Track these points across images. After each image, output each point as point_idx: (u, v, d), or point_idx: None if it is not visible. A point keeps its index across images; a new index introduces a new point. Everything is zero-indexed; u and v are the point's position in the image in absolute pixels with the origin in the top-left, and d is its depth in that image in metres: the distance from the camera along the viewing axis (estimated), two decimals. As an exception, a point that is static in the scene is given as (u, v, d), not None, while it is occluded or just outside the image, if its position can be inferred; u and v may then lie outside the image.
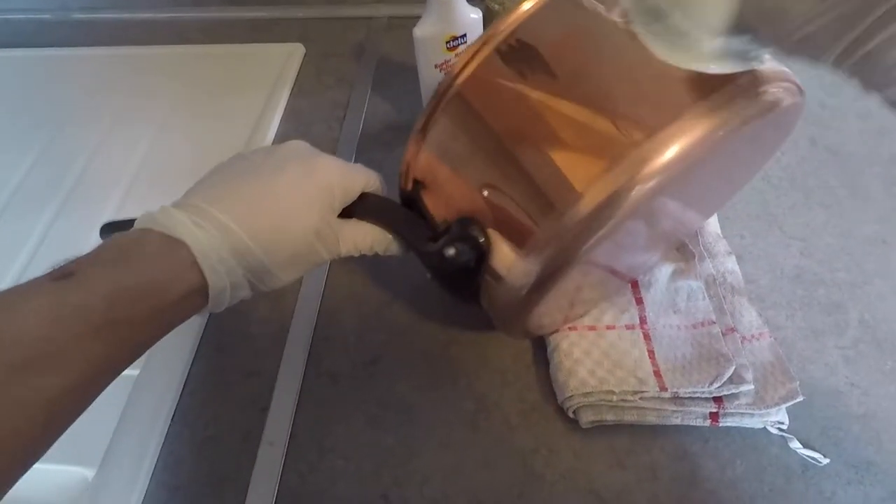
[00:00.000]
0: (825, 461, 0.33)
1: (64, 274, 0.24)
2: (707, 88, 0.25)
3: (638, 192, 0.25)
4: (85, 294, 0.23)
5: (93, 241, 0.47)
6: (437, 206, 0.32)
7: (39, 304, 0.23)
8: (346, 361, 0.39)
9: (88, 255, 0.26)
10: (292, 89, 0.59)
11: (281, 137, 0.54)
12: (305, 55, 0.62)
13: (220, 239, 0.27)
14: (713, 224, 0.43)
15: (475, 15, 0.45)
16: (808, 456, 0.33)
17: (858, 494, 0.32)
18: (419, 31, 0.44)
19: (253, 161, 0.31)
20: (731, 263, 0.40)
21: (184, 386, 0.39)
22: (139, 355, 0.26)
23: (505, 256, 0.29)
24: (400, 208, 0.33)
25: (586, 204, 0.25)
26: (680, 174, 0.25)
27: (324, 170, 0.30)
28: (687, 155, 0.25)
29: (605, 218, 0.25)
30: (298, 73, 0.60)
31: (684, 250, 0.41)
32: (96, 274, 0.24)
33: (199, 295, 0.27)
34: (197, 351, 0.41)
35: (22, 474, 0.23)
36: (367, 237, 0.32)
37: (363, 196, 0.32)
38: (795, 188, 0.46)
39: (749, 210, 0.45)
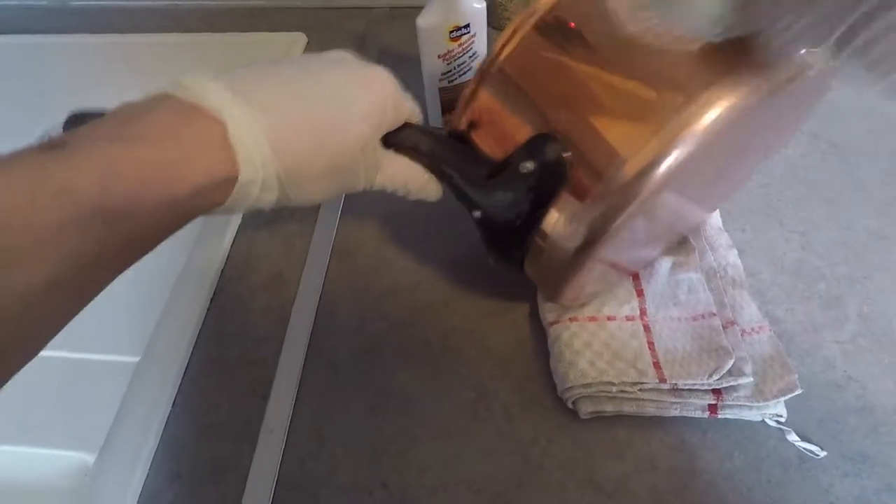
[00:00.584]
0: (822, 454, 0.33)
1: (52, 145, 0.19)
2: (743, 56, 0.26)
3: (680, 153, 0.26)
4: (73, 173, 0.18)
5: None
6: (492, 148, 0.31)
7: (15, 180, 0.18)
8: (346, 350, 0.40)
9: (89, 125, 0.21)
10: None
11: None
12: (307, 44, 0.62)
13: (260, 121, 0.22)
14: (715, 218, 0.43)
15: (479, 5, 0.44)
16: (805, 448, 0.33)
17: (855, 487, 0.32)
18: (422, 21, 0.44)
19: (299, 60, 0.27)
20: (732, 257, 0.40)
21: (184, 373, 0.39)
22: (139, 255, 0.22)
23: (552, 217, 0.29)
24: (450, 140, 0.31)
25: (632, 166, 0.26)
26: (718, 137, 0.26)
27: (379, 81, 0.28)
28: (726, 118, 0.25)
29: (649, 181, 0.26)
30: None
31: (686, 243, 0.41)
32: (91, 148, 0.19)
33: (219, 187, 0.22)
34: (197, 338, 0.41)
35: None
36: (404, 172, 0.29)
37: (406, 125, 0.30)
38: (797, 182, 0.46)
39: (751, 204, 0.45)
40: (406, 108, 0.30)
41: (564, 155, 0.28)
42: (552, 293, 0.35)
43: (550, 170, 0.28)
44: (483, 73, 0.32)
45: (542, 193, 0.28)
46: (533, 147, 0.28)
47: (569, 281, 0.31)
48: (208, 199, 0.22)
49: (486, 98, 0.31)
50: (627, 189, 0.27)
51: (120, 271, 0.21)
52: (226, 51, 0.61)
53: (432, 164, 0.30)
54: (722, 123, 0.26)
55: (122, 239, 0.20)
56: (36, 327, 0.20)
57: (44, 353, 0.41)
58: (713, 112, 0.25)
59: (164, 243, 0.45)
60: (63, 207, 0.18)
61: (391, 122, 0.28)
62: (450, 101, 0.49)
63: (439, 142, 0.31)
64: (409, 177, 0.30)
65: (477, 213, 0.31)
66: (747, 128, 0.28)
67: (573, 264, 0.29)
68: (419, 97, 0.49)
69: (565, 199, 0.28)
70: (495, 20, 0.57)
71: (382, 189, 0.30)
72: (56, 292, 0.19)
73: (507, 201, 0.28)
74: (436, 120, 0.51)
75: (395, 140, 0.30)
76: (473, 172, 0.30)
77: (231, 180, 0.22)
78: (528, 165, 0.28)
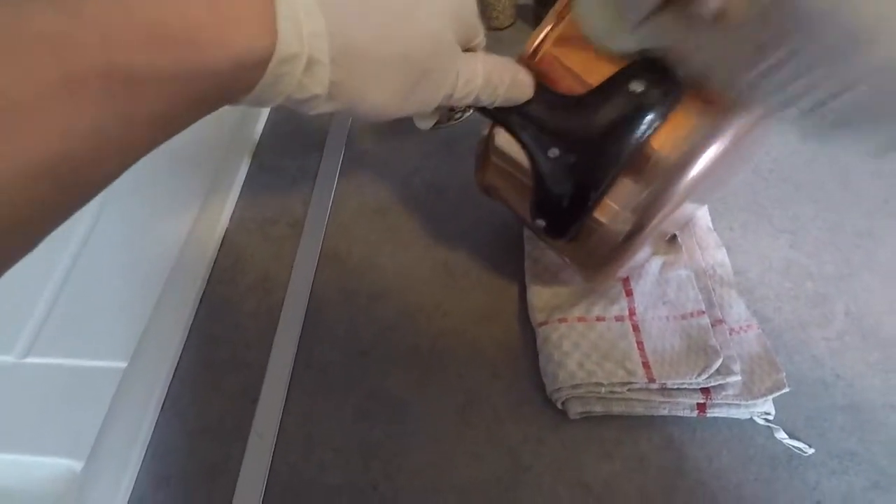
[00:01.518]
0: (810, 451, 0.33)
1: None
2: None
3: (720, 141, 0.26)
4: (67, 17, 0.15)
5: (76, 240, 0.46)
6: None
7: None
8: (335, 354, 0.39)
9: None
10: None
11: (271, 126, 0.54)
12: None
13: None
14: (704, 217, 0.43)
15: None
16: (793, 446, 0.33)
17: (842, 484, 0.32)
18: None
19: None
20: (721, 255, 0.41)
21: (173, 376, 0.39)
22: (154, 138, 0.19)
23: (604, 204, 0.29)
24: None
25: (678, 152, 0.27)
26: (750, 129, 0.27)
27: None
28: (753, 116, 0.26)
29: (693, 165, 0.27)
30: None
31: (674, 242, 0.41)
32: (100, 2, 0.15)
33: (250, 66, 0.18)
34: (186, 342, 0.40)
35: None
36: (492, 64, 0.25)
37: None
38: (785, 181, 0.46)
39: (739, 203, 0.45)
40: (479, 29, 0.26)
41: (679, 77, 0.26)
42: (593, 274, 0.34)
43: (659, 96, 0.26)
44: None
45: (640, 123, 0.26)
46: (648, 68, 0.26)
47: (616, 262, 0.31)
48: (233, 79, 0.18)
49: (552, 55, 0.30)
50: (674, 173, 0.27)
51: (125, 163, 0.18)
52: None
53: None
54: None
55: (130, 108, 0.17)
56: (35, 212, 0.16)
57: (32, 359, 0.41)
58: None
59: (151, 247, 0.45)
60: (54, 61, 0.15)
61: (466, 33, 0.25)
62: (439, 101, 0.48)
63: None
64: (500, 69, 0.26)
65: (554, 151, 0.28)
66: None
67: (623, 247, 0.30)
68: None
69: (618, 185, 0.28)
70: (484, 20, 0.57)
71: (467, 96, 0.25)
72: (61, 170, 0.16)
73: (603, 123, 0.26)
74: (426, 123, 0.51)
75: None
76: (558, 100, 0.28)
77: (264, 57, 0.18)
78: (638, 87, 0.26)
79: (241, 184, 0.50)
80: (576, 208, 0.29)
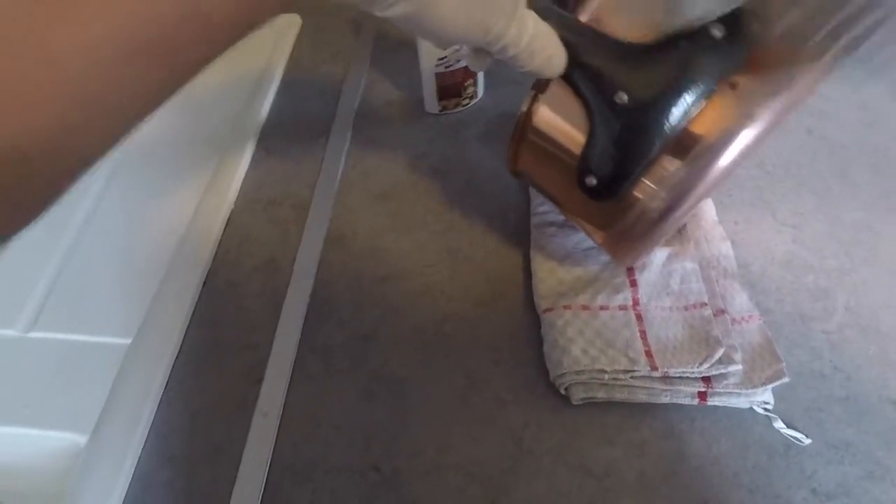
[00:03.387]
0: (807, 441, 0.34)
1: None
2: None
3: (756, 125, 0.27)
4: None
5: (82, 216, 0.46)
6: None
7: None
8: (339, 336, 0.40)
9: None
10: (287, 63, 0.58)
11: (276, 111, 0.54)
12: (302, 27, 0.61)
13: None
14: (710, 211, 0.43)
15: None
16: (791, 436, 0.34)
17: (837, 473, 0.33)
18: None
19: None
20: (725, 248, 0.41)
21: (177, 355, 0.39)
22: (229, 34, 0.19)
23: (643, 183, 0.30)
24: (586, 26, 0.29)
25: (717, 133, 0.27)
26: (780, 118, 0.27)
27: None
28: (789, 99, 0.26)
29: (730, 147, 0.27)
30: (294, 45, 0.59)
31: (682, 233, 0.41)
32: None
33: None
34: (190, 321, 0.41)
35: None
36: (542, 30, 0.26)
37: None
38: (790, 176, 0.46)
39: (744, 197, 0.45)
40: None
41: (755, 26, 0.26)
42: (624, 253, 0.35)
43: (738, 44, 0.26)
44: None
45: (714, 72, 0.26)
46: (731, 15, 0.26)
47: (648, 241, 0.32)
48: None
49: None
50: (713, 154, 0.27)
51: (215, 42, 0.19)
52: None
53: (572, 39, 0.28)
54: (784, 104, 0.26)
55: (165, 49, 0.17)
56: (132, 88, 0.17)
57: (36, 333, 0.41)
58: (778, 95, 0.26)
59: (156, 226, 0.45)
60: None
61: None
62: (447, 87, 0.48)
63: (581, 23, 0.29)
64: (544, 38, 0.27)
65: (622, 97, 0.28)
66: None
67: (657, 225, 0.30)
68: (416, 84, 0.49)
69: (658, 165, 0.29)
70: None
71: (509, 48, 0.26)
72: (154, 46, 0.16)
73: (678, 69, 0.26)
74: (433, 108, 0.51)
75: (537, 6, 0.27)
76: (627, 46, 0.28)
77: None
78: (718, 31, 0.26)
79: (248, 165, 0.50)
80: (634, 163, 0.29)
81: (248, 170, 0.49)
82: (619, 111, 0.28)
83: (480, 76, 0.50)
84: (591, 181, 0.31)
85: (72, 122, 0.16)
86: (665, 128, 0.28)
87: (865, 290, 0.40)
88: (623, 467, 0.34)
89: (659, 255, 0.40)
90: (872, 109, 0.50)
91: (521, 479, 0.34)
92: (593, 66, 0.28)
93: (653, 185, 0.29)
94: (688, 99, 0.27)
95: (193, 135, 0.52)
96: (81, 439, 0.35)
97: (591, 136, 0.30)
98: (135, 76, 0.17)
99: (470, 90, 0.50)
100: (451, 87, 0.48)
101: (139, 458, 0.35)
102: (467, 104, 0.51)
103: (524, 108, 0.33)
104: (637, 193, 0.30)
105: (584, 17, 0.30)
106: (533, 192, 0.44)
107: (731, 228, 0.43)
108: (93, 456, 0.34)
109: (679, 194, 0.29)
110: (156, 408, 0.37)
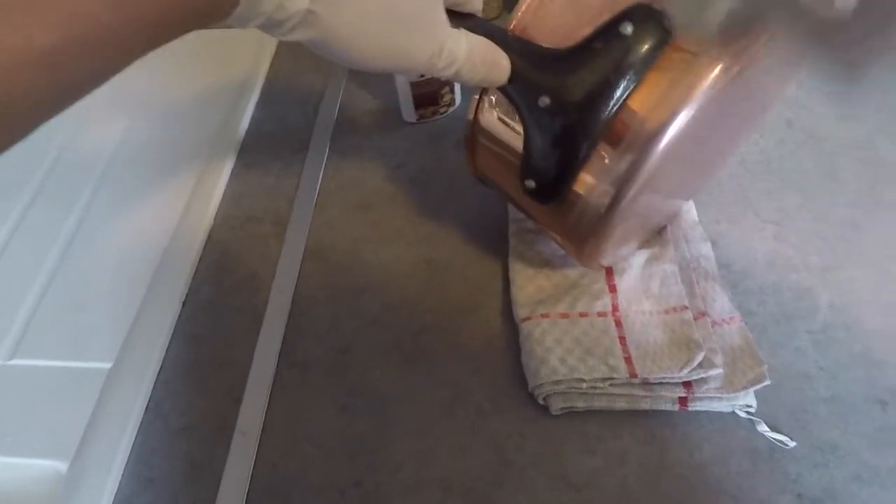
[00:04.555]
0: (792, 444, 0.33)
1: None
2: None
3: (697, 102, 0.26)
4: None
5: (61, 240, 0.46)
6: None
7: None
8: (318, 350, 0.39)
9: None
10: (267, 75, 0.58)
11: (256, 124, 0.54)
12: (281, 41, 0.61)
13: None
14: (691, 212, 0.43)
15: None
16: (775, 439, 0.33)
17: (823, 477, 0.32)
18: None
19: None
20: (706, 248, 0.40)
21: (157, 376, 0.39)
22: (139, 47, 0.19)
23: (584, 177, 0.30)
24: (512, 34, 0.30)
25: (654, 117, 0.27)
26: (725, 93, 0.27)
27: None
28: (734, 71, 0.26)
29: (670, 130, 0.27)
30: (273, 58, 0.59)
31: (662, 235, 0.41)
32: None
33: None
34: (170, 341, 0.40)
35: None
36: (477, 44, 0.27)
37: (472, 15, 0.29)
38: (771, 172, 0.45)
39: (725, 195, 0.44)
40: None
41: (665, 23, 0.27)
42: (580, 249, 0.34)
43: (648, 39, 0.27)
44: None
45: (629, 69, 0.27)
46: (638, 11, 0.27)
47: (600, 237, 0.31)
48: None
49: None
50: (651, 140, 0.27)
51: (122, 56, 0.19)
52: (198, 46, 0.60)
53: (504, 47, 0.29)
54: (730, 76, 0.26)
55: (137, 13, 0.18)
56: (30, 100, 0.17)
57: (15, 360, 0.41)
58: (723, 66, 0.26)
59: (136, 247, 0.45)
60: None
61: None
62: (423, 95, 0.48)
63: (499, 31, 0.30)
64: (483, 49, 0.27)
65: (545, 100, 0.29)
66: (745, 89, 0.29)
67: (605, 220, 0.30)
68: (393, 94, 0.49)
69: (594, 159, 0.29)
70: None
71: (448, 67, 0.26)
72: (58, 59, 0.17)
73: (594, 67, 0.27)
74: (410, 117, 0.51)
75: (464, 24, 0.28)
76: (548, 52, 0.29)
77: None
78: (627, 29, 0.27)
79: (226, 182, 0.49)
80: (567, 163, 0.30)
81: (228, 186, 0.49)
82: (545, 114, 0.29)
83: (457, 84, 0.50)
84: (531, 184, 0.32)
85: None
86: (590, 126, 0.28)
87: (850, 287, 0.39)
88: (604, 476, 0.33)
89: (639, 258, 0.40)
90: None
91: (502, 492, 0.33)
92: (518, 73, 0.29)
93: (592, 180, 0.29)
94: (608, 96, 0.28)
95: (173, 151, 0.52)
96: (63, 466, 0.35)
97: (525, 140, 0.31)
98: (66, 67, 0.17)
99: (447, 98, 0.50)
100: (427, 95, 0.48)
101: (120, 482, 0.35)
102: (445, 112, 0.51)
103: (470, 113, 0.33)
104: (578, 190, 0.30)
105: (509, 26, 0.31)
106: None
107: (711, 228, 0.42)
108: (74, 482, 0.34)
109: (620, 185, 0.28)
110: (136, 431, 0.37)
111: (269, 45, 0.60)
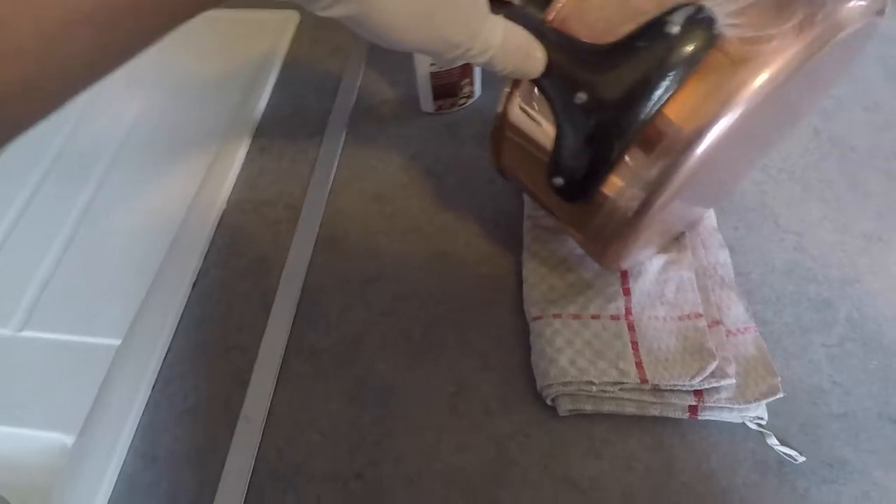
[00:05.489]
0: (801, 459, 0.33)
1: None
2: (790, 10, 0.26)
3: (735, 112, 0.25)
4: None
5: (75, 216, 0.46)
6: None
7: None
8: (327, 338, 0.39)
9: None
10: (285, 58, 0.57)
11: (272, 108, 0.53)
12: (300, 23, 0.60)
13: None
14: (710, 218, 0.42)
15: None
16: (784, 453, 0.33)
17: (832, 493, 0.32)
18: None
19: None
20: (723, 256, 0.40)
21: (165, 356, 0.39)
22: (180, 12, 0.20)
23: (612, 180, 0.29)
24: (550, 26, 0.29)
25: (690, 124, 0.26)
26: (766, 98, 0.26)
27: None
28: (775, 77, 0.25)
29: (707, 137, 0.26)
30: (292, 41, 0.58)
31: (680, 241, 0.40)
32: None
33: None
34: (179, 324, 0.40)
35: None
36: (515, 33, 0.27)
37: (503, 1, 0.28)
38: (794, 181, 0.45)
39: (745, 202, 0.44)
40: None
41: (715, 25, 0.26)
42: (602, 253, 0.34)
43: (695, 40, 0.26)
44: None
45: (671, 70, 0.26)
46: (685, 11, 0.26)
47: (625, 241, 0.31)
48: None
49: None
50: (687, 146, 0.26)
51: (163, 20, 0.19)
52: (217, 28, 0.60)
53: (541, 37, 0.28)
54: (774, 84, 0.25)
55: None
56: (75, 61, 0.18)
57: (25, 333, 0.41)
58: (768, 73, 0.25)
59: (148, 226, 0.45)
60: None
61: None
62: (442, 86, 0.47)
63: (545, 23, 0.29)
64: (518, 38, 0.27)
65: (581, 97, 0.28)
66: (789, 89, 0.28)
67: (632, 224, 0.29)
68: (412, 83, 0.49)
69: (626, 162, 0.28)
70: None
71: (482, 53, 0.26)
72: (101, 18, 0.17)
73: (635, 69, 0.26)
74: (428, 107, 0.50)
75: (503, 11, 0.27)
76: (587, 47, 0.28)
77: None
78: (675, 28, 0.26)
79: (241, 165, 0.49)
80: (598, 163, 0.29)
81: (242, 169, 0.49)
82: (580, 111, 0.28)
83: (478, 75, 0.49)
84: (559, 181, 0.31)
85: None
86: (626, 126, 0.27)
87: (870, 301, 0.38)
88: (609, 481, 0.33)
89: (655, 262, 0.39)
90: (885, 110, 0.48)
91: (505, 490, 0.33)
92: (554, 67, 0.28)
93: (622, 183, 0.29)
94: (647, 97, 0.27)
95: (189, 132, 0.51)
96: (69, 439, 0.35)
97: (557, 137, 0.30)
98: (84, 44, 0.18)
99: (467, 89, 0.49)
100: (447, 86, 0.47)
101: (125, 458, 0.35)
102: (464, 104, 0.50)
103: (500, 106, 0.33)
104: (606, 192, 0.29)
105: (549, 18, 0.30)
106: (527, 195, 0.44)
107: (730, 234, 0.42)
108: (79, 456, 0.35)
109: (651, 191, 0.28)
110: (142, 409, 0.37)
111: (289, 27, 0.59)
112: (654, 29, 0.26)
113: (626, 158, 0.28)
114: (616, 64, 0.27)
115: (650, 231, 0.31)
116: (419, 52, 0.25)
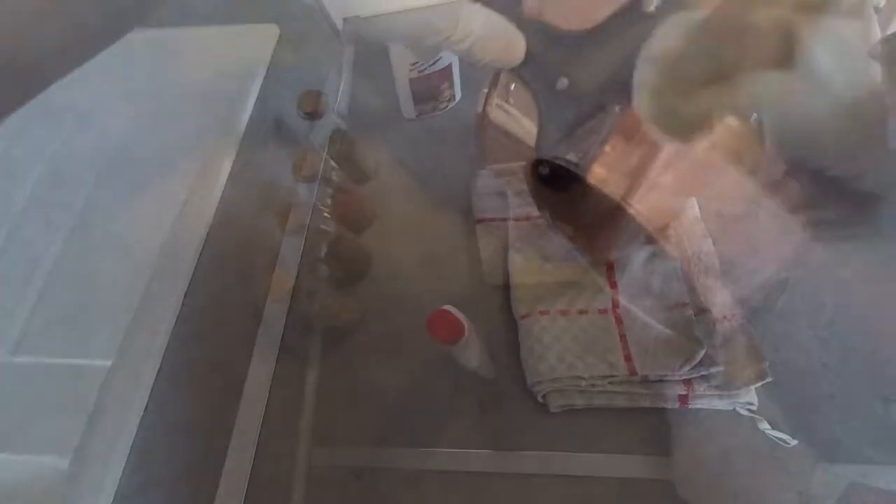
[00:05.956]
0: (793, 442, 0.33)
1: None
2: None
3: None
4: None
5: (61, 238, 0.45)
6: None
7: None
8: (318, 345, 0.39)
9: None
10: (267, 72, 0.57)
11: (254, 123, 0.53)
12: (280, 37, 0.61)
13: None
14: (693, 207, 0.42)
15: None
16: (776, 437, 0.33)
17: (825, 473, 0.32)
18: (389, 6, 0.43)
19: None
20: (707, 245, 0.40)
21: (157, 373, 0.39)
22: None
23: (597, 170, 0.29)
24: (528, 14, 0.30)
25: None
26: None
27: None
28: None
29: None
30: (272, 55, 0.59)
31: (664, 232, 0.41)
32: None
33: None
34: (170, 339, 0.40)
35: None
36: (497, 22, 0.27)
37: None
38: (775, 167, 0.45)
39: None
40: None
41: None
42: (591, 243, 0.34)
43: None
44: None
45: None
46: None
47: (611, 229, 0.32)
48: None
49: None
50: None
51: None
52: (197, 45, 0.60)
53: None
54: None
55: None
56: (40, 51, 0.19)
57: (16, 358, 0.41)
58: None
59: (136, 245, 0.45)
60: None
61: None
62: (422, 91, 0.48)
63: (523, 12, 0.29)
64: (499, 28, 0.28)
65: (563, 82, 0.28)
66: None
67: (618, 212, 0.29)
68: (391, 92, 0.49)
69: (608, 150, 0.28)
70: None
71: (462, 40, 0.26)
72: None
73: (615, 52, 0.27)
74: (409, 113, 0.50)
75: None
76: (566, 33, 0.28)
77: None
78: (652, 6, 0.26)
79: (227, 178, 0.49)
80: (583, 150, 0.29)
81: (228, 182, 0.49)
82: (561, 97, 0.29)
83: (457, 78, 0.49)
84: (544, 170, 0.31)
85: None
86: (609, 111, 0.27)
87: (856, 284, 0.39)
88: (603, 474, 0.33)
89: (640, 254, 0.39)
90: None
91: (500, 487, 0.33)
92: (535, 55, 0.28)
93: (606, 171, 0.29)
94: (630, 81, 0.27)
95: (173, 148, 0.52)
96: (63, 463, 0.35)
97: (539, 126, 0.30)
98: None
99: (447, 93, 0.49)
100: (427, 91, 0.48)
101: (120, 479, 0.35)
102: (445, 108, 0.50)
103: (479, 106, 0.33)
104: (591, 180, 0.30)
105: (525, 8, 0.30)
106: (511, 194, 0.44)
107: (713, 223, 0.42)
108: (74, 479, 0.35)
109: (633, 178, 0.28)
110: (136, 428, 0.37)
111: (269, 41, 0.60)
112: (632, 10, 0.27)
113: (608, 147, 0.28)
114: (597, 48, 0.27)
115: (637, 218, 0.32)
116: (402, 37, 0.25)
